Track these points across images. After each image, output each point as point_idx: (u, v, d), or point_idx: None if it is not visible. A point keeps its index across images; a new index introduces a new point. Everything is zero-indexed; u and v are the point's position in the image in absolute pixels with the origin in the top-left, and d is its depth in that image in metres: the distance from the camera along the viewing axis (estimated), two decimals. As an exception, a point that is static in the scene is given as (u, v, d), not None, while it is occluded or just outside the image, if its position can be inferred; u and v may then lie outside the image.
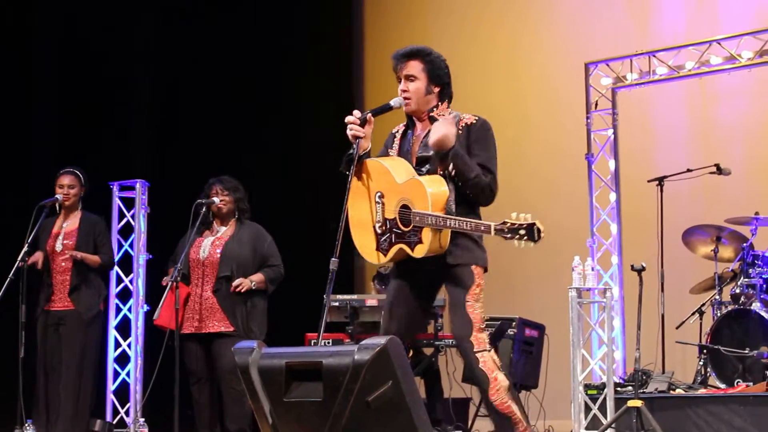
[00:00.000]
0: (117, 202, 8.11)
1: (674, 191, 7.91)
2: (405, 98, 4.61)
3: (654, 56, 8.17)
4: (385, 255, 4.53)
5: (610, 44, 8.92)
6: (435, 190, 4.40)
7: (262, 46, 10.32)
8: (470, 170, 4.42)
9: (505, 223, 4.17)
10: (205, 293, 6.55)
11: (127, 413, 7.86)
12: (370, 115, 4.56)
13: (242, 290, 6.49)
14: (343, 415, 3.69)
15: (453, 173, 4.43)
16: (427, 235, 4.37)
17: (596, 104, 8.37)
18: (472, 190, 4.46)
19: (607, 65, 8.35)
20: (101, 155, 8.83)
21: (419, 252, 4.40)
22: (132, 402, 7.77)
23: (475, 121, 4.57)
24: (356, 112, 4.55)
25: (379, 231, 4.54)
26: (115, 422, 7.80)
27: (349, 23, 11.04)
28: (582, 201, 8.37)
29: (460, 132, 4.53)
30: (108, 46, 9.69)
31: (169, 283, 6.34)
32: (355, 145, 4.51)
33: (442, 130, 4.42)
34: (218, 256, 6.55)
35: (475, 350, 4.39)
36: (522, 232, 4.12)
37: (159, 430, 7.17)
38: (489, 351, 4.43)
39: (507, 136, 9.94)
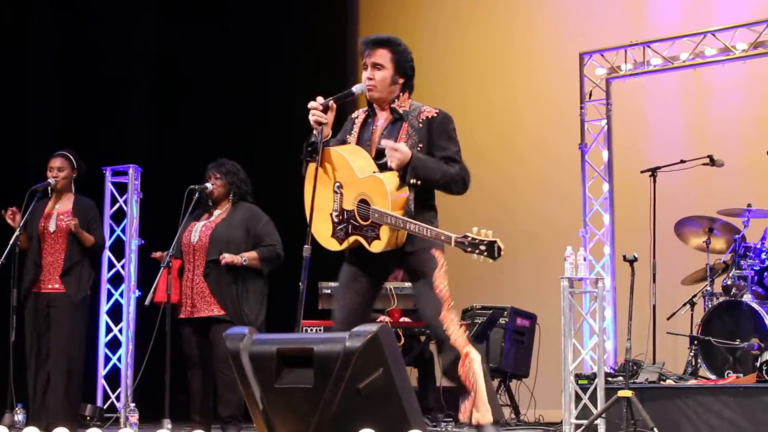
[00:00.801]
0: (109, 186, 8.10)
1: (667, 182, 7.91)
2: (369, 86, 4.63)
3: (649, 47, 8.17)
4: (340, 243, 4.56)
5: (604, 34, 8.91)
6: (395, 189, 4.43)
7: (261, 46, 10.33)
8: (434, 173, 4.47)
9: (466, 236, 4.21)
10: (195, 278, 6.53)
11: (117, 398, 7.86)
12: (332, 101, 4.60)
13: (231, 263, 6.41)
14: (334, 401, 3.70)
15: (419, 184, 4.44)
16: (385, 232, 4.41)
17: (590, 94, 8.36)
18: (443, 190, 4.53)
19: (602, 55, 8.34)
20: (101, 155, 8.78)
21: (376, 248, 4.45)
22: (123, 387, 7.77)
23: (436, 114, 4.59)
24: (319, 98, 4.59)
25: (335, 220, 4.57)
26: (105, 407, 7.81)
27: (345, 21, 11.02)
28: (574, 191, 8.36)
29: (420, 125, 4.57)
30: (108, 46, 9.68)
31: (161, 269, 6.33)
32: (317, 132, 4.53)
33: (395, 147, 4.44)
34: (207, 240, 6.53)
35: (445, 329, 4.40)
36: (482, 247, 4.18)
37: (150, 415, 7.16)
38: (459, 329, 4.44)
39: (500, 127, 10.02)
